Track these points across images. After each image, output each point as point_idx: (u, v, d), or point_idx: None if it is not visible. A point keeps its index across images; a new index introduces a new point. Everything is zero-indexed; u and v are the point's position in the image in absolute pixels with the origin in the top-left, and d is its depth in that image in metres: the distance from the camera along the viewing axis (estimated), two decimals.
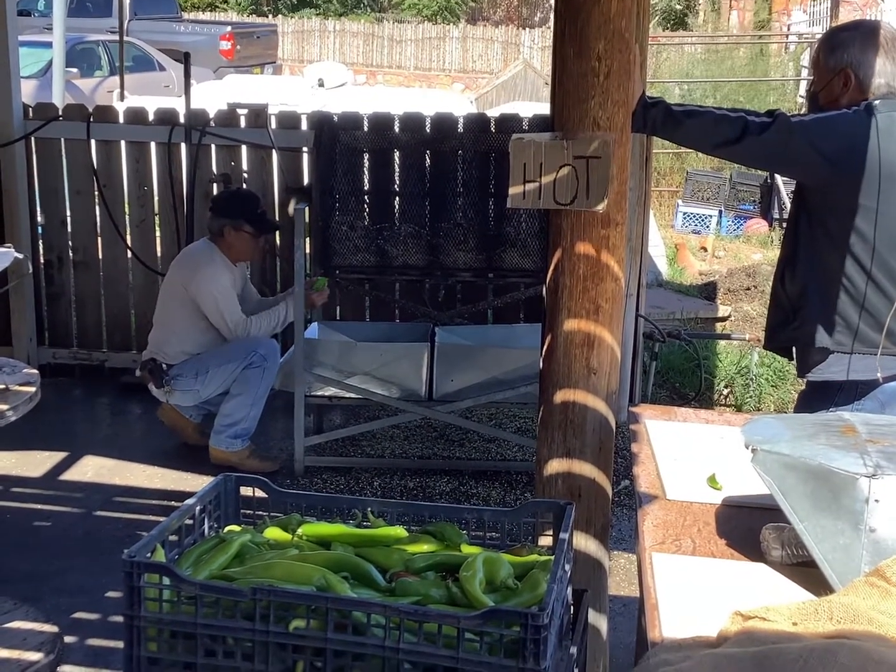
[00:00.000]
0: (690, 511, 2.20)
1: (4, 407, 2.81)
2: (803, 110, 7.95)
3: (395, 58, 24.78)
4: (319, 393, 4.86)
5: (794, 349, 3.02)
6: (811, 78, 2.99)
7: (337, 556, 1.83)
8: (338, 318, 5.71)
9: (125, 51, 13.33)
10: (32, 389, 2.95)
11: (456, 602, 1.72)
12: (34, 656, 3.14)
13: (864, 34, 2.82)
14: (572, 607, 1.91)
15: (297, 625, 1.63)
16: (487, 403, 4.86)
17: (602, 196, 2.32)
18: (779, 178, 9.79)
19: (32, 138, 5.70)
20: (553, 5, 2.48)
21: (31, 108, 5.74)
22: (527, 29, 25.31)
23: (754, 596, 1.79)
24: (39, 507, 4.43)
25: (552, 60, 2.45)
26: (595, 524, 2.52)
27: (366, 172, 4.79)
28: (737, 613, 1.61)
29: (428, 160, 4.77)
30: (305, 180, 5.39)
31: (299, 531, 1.96)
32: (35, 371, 3.11)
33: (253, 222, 4.80)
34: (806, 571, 1.87)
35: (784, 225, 7.94)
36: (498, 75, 16.77)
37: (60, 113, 5.78)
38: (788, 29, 17.13)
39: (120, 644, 1.74)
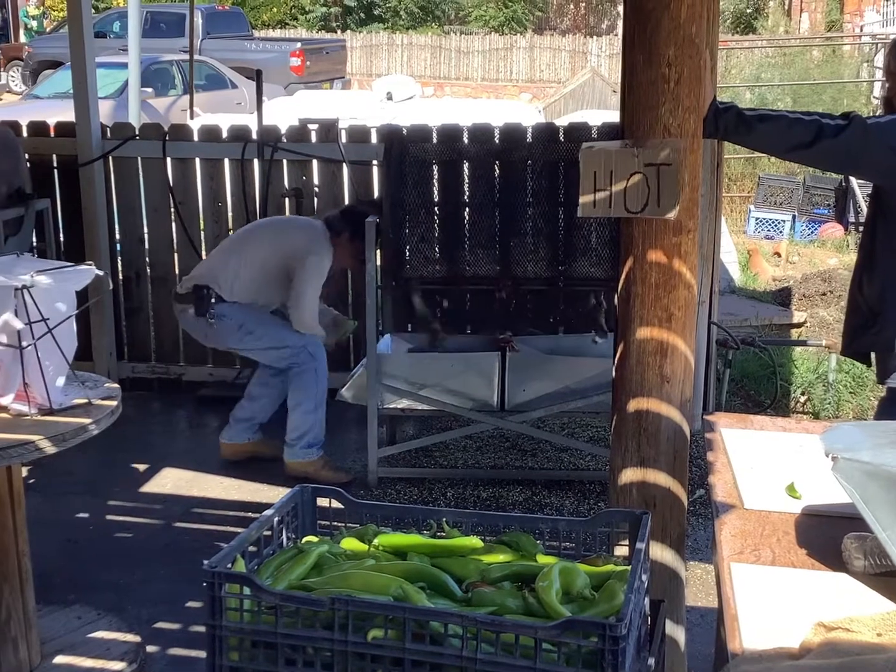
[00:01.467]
0: (769, 520, 2.17)
1: (87, 421, 2.87)
2: (878, 112, 7.80)
3: (463, 69, 24.86)
4: (392, 405, 4.89)
5: (872, 355, 2.97)
6: (883, 80, 2.96)
7: (413, 567, 1.85)
8: (409, 329, 5.74)
9: (198, 70, 13.57)
10: (114, 403, 3.01)
11: (532, 612, 1.72)
12: (117, 665, 3.21)
13: None
14: (649, 618, 1.89)
15: (375, 634, 1.64)
16: (559, 413, 4.84)
17: (673, 204, 2.31)
18: (854, 181, 9.61)
19: (110, 157, 5.83)
20: (621, 12, 2.48)
21: (108, 128, 5.86)
22: (594, 37, 25.22)
23: (837, 606, 1.77)
24: (121, 518, 4.52)
25: (621, 67, 2.44)
26: (671, 534, 2.50)
27: (435, 184, 4.82)
28: (819, 624, 1.59)
29: (497, 171, 4.78)
30: (376, 193, 5.43)
31: (375, 542, 1.97)
32: (116, 385, 3.16)
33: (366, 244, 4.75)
34: (890, 581, 1.84)
35: (860, 229, 7.79)
36: (566, 84, 16.73)
37: (137, 132, 5.90)
38: (861, 30, 16.83)
39: (201, 653, 1.77)
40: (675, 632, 2.56)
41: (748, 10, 22.49)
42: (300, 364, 4.71)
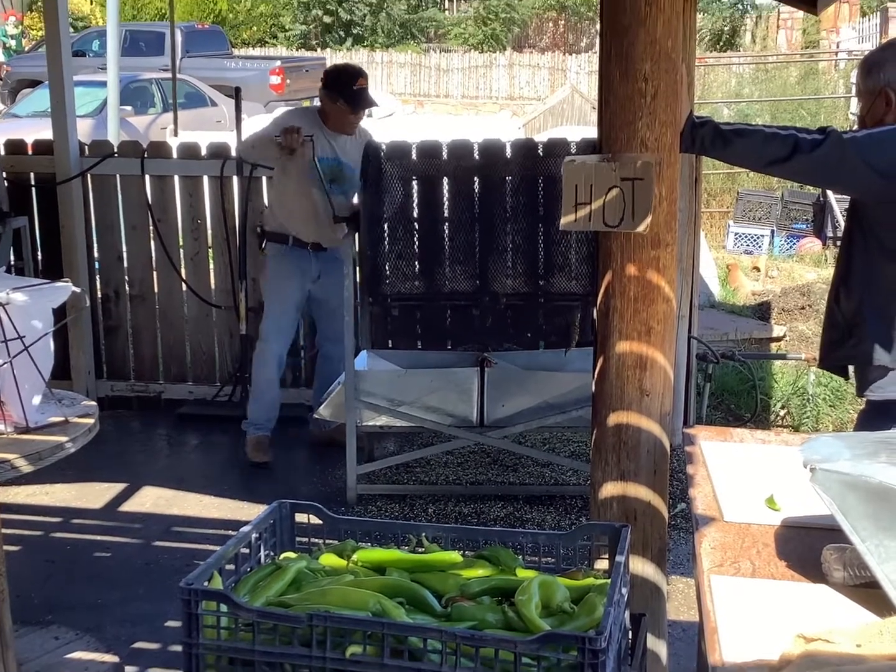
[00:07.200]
0: (749, 533, 2.17)
1: (64, 439, 2.85)
2: (854, 127, 7.86)
3: (443, 87, 24.95)
4: (371, 422, 4.87)
5: (850, 368, 2.98)
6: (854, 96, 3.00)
7: (392, 582, 1.83)
8: (388, 346, 5.72)
9: (178, 88, 13.58)
10: (91, 421, 2.98)
11: (512, 626, 1.71)
12: None
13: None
14: (630, 632, 1.89)
15: (353, 651, 1.63)
16: (540, 428, 4.84)
17: (644, 217, 2.31)
18: (832, 196, 9.68)
19: (89, 175, 5.81)
20: (598, 28, 2.48)
21: (86, 146, 5.85)
22: (573, 54, 25.37)
23: (816, 618, 1.76)
24: (100, 537, 4.49)
25: (598, 83, 2.45)
26: (652, 547, 2.49)
27: (414, 200, 4.81)
28: (799, 636, 1.59)
29: (476, 187, 4.78)
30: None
31: (354, 557, 1.96)
32: (93, 403, 3.14)
33: (346, 98, 5.04)
34: (869, 592, 1.84)
35: (838, 243, 7.84)
36: (545, 101, 16.81)
37: (115, 150, 5.88)
38: (838, 46, 16.99)
39: None
40: (657, 646, 2.55)
41: (726, 28, 22.69)
42: (256, 352, 5.27)
